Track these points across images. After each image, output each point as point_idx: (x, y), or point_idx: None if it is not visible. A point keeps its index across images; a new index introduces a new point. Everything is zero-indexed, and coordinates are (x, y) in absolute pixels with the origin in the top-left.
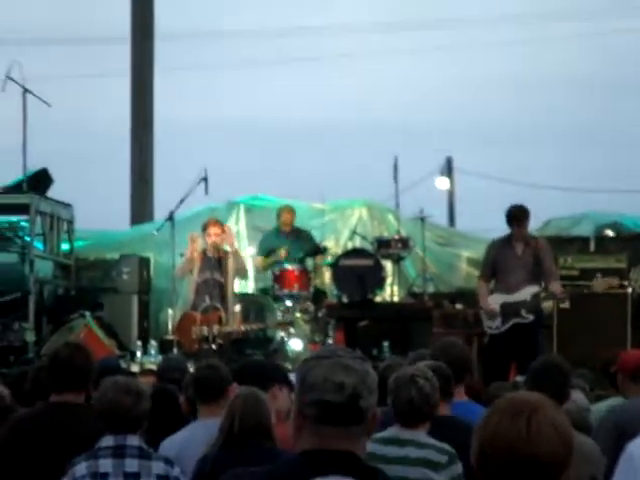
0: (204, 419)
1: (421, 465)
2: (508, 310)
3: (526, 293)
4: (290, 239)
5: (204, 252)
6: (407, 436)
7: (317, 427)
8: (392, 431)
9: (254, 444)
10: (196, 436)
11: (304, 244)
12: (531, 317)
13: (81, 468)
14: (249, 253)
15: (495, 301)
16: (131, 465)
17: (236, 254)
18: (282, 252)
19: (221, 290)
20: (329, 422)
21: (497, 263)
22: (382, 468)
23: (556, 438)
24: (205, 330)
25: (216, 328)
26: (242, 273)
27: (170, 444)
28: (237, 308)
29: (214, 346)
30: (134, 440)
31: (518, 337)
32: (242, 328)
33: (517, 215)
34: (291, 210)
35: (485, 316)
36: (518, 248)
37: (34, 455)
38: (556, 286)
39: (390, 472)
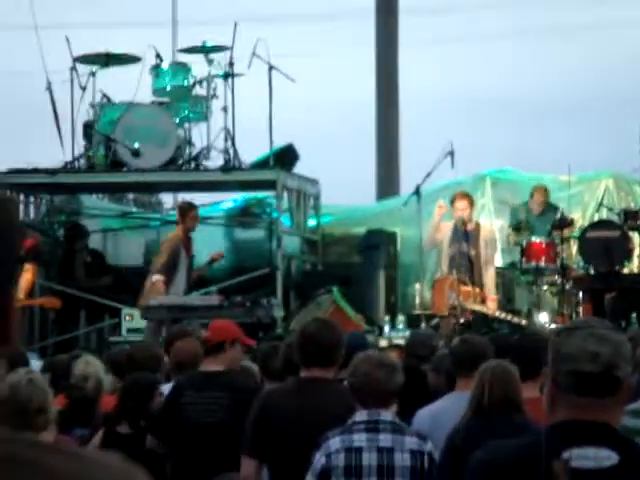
0: (459, 391)
1: None
2: None
3: None
4: (540, 214)
5: (455, 225)
6: None
7: (572, 398)
8: None
9: (504, 416)
10: (449, 407)
11: (551, 217)
12: None
13: (335, 442)
14: (496, 226)
15: None
16: (385, 440)
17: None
18: (527, 232)
19: (470, 263)
20: (584, 392)
21: None
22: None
23: None
24: (455, 298)
25: (470, 301)
26: (492, 245)
27: (424, 413)
28: (489, 282)
29: (462, 320)
30: (387, 415)
31: None
32: (496, 314)
33: None
34: (545, 191)
35: None
36: None
37: (286, 430)
38: None
39: None
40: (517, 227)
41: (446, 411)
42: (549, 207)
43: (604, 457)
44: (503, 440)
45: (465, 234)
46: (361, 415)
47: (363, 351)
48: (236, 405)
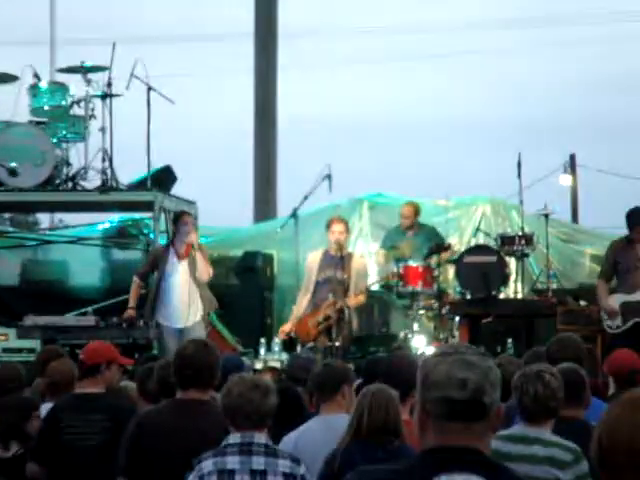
0: (322, 415)
1: (547, 464)
2: (628, 309)
3: None
4: (413, 235)
5: (326, 251)
6: (533, 434)
7: (441, 424)
8: (518, 429)
9: (382, 441)
10: (313, 432)
11: (428, 241)
12: None
13: (208, 464)
14: (373, 250)
15: (615, 301)
16: (258, 462)
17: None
18: (406, 250)
19: (343, 289)
20: (453, 419)
21: (618, 263)
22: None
23: None
24: (320, 317)
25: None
26: (362, 274)
27: (289, 439)
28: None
29: (337, 343)
30: (261, 437)
31: (638, 336)
32: (351, 302)
33: (637, 218)
34: (412, 204)
35: (605, 315)
36: (639, 249)
37: (160, 451)
38: None
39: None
40: (390, 249)
41: (309, 436)
42: (424, 228)
43: None
44: (373, 466)
45: (339, 259)
46: (234, 437)
47: (238, 373)
48: (116, 427)
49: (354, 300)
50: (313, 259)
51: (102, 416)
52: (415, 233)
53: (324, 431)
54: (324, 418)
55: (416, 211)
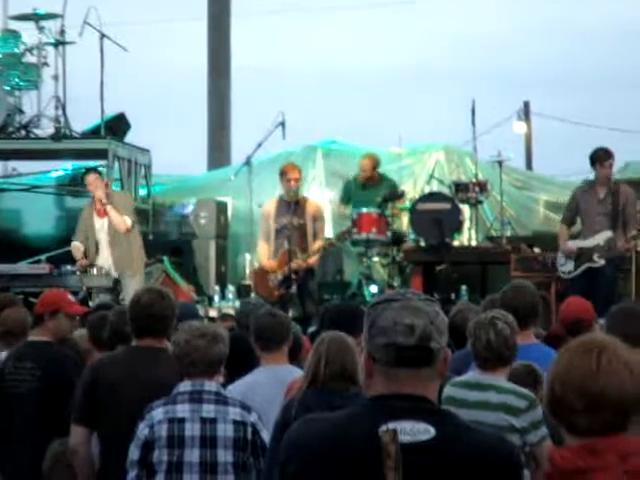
0: (266, 366)
1: (501, 410)
2: (582, 255)
3: (600, 238)
4: (371, 187)
5: (281, 198)
6: (487, 381)
7: (388, 371)
8: (473, 375)
9: (339, 389)
10: (260, 382)
11: (386, 190)
12: (602, 262)
13: (158, 413)
14: (327, 198)
15: (573, 246)
16: (208, 410)
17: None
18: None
19: (301, 234)
20: (400, 365)
21: (579, 208)
22: (459, 413)
23: (627, 376)
24: (279, 275)
25: (286, 268)
26: (319, 219)
27: (234, 390)
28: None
29: (294, 289)
30: (211, 385)
31: (591, 281)
32: (309, 260)
33: (600, 156)
34: (370, 157)
35: (560, 260)
36: (600, 192)
37: (115, 399)
38: (621, 241)
39: (469, 417)
40: (348, 201)
41: (257, 385)
42: (382, 178)
43: (420, 431)
44: (319, 414)
45: (295, 205)
46: (185, 385)
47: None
48: (45, 375)
49: (315, 245)
50: (269, 207)
51: (33, 364)
52: (374, 185)
53: (272, 384)
54: (271, 369)
55: (375, 164)
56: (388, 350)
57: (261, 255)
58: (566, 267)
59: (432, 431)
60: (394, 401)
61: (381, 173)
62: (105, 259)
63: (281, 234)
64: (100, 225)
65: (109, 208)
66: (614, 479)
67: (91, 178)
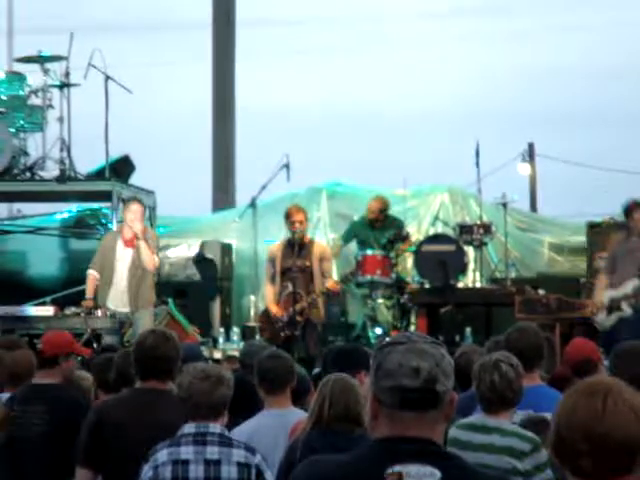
0: (270, 409)
1: (505, 453)
2: (613, 304)
3: (629, 286)
4: (379, 228)
5: (287, 240)
6: (492, 423)
7: (393, 413)
8: (478, 417)
9: (344, 430)
10: (264, 426)
11: (388, 231)
12: (629, 311)
13: (162, 455)
14: (332, 239)
15: (606, 296)
16: (212, 452)
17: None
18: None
19: (306, 276)
20: (405, 407)
21: (616, 257)
22: (464, 455)
23: (632, 419)
24: (285, 317)
25: (290, 310)
26: (327, 259)
27: (238, 434)
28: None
29: (297, 332)
30: (216, 427)
31: (621, 331)
32: (309, 299)
33: (633, 207)
34: (380, 200)
35: (596, 311)
36: (632, 242)
37: (120, 441)
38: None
39: (474, 459)
40: (345, 238)
41: (261, 429)
42: (390, 219)
43: (427, 474)
44: (325, 455)
45: (300, 247)
46: (189, 427)
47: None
48: (55, 419)
49: (329, 285)
50: (275, 249)
51: (44, 407)
52: (382, 226)
53: (276, 428)
54: (275, 413)
55: (383, 207)
56: (393, 392)
57: (267, 297)
58: (599, 317)
59: (438, 474)
60: (400, 444)
61: (389, 214)
62: (119, 291)
63: (286, 276)
64: (123, 256)
65: (142, 243)
66: None
67: (136, 207)
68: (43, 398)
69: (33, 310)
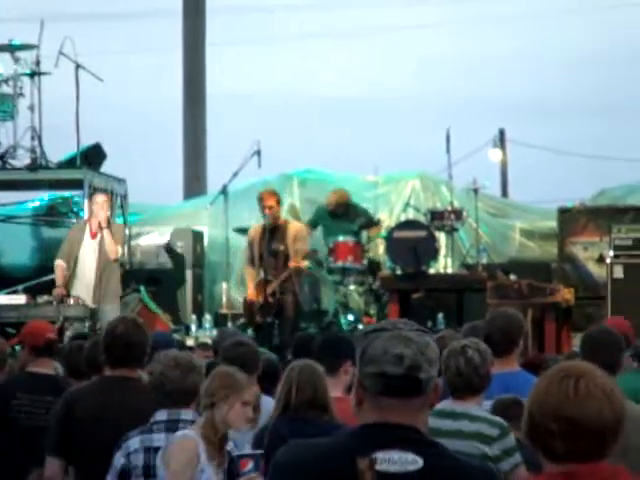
0: None
1: (474, 439)
2: None
3: None
4: (340, 217)
5: (263, 227)
6: (460, 409)
7: (377, 399)
8: (446, 404)
9: (311, 416)
10: None
11: (357, 218)
12: None
13: (134, 442)
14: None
15: None
16: None
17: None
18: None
19: (277, 260)
20: (388, 394)
21: None
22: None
23: (605, 403)
24: (260, 302)
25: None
26: (302, 239)
27: None
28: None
29: (269, 319)
30: (188, 414)
31: None
32: (278, 280)
33: None
34: (338, 193)
35: None
36: None
37: (89, 430)
38: None
39: None
40: (312, 224)
41: None
42: (352, 208)
43: (409, 461)
44: (307, 440)
45: (273, 231)
46: (161, 414)
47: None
48: None
49: (295, 264)
50: (253, 233)
51: (52, 398)
52: (344, 215)
53: None
54: None
55: (340, 200)
56: (377, 379)
57: (248, 281)
58: None
59: (420, 462)
60: (383, 430)
61: (352, 203)
62: (84, 283)
63: (261, 262)
64: (89, 246)
65: (106, 232)
66: None
67: (102, 198)
68: (48, 388)
69: (5, 299)
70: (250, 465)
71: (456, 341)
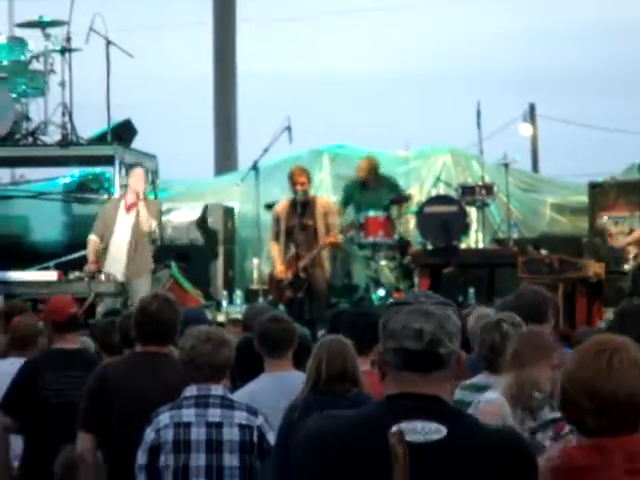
0: (270, 372)
1: None
2: None
3: None
4: (372, 189)
5: (291, 200)
6: (494, 383)
7: (398, 373)
8: (480, 378)
9: (341, 390)
10: (264, 389)
11: (388, 192)
12: None
13: (164, 418)
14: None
15: None
16: (213, 414)
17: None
18: (348, 226)
19: (307, 234)
20: (409, 368)
21: None
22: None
23: (638, 377)
24: (290, 277)
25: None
26: (332, 215)
27: (240, 396)
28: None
29: (300, 294)
30: (217, 389)
31: None
32: (311, 254)
33: None
34: (368, 160)
35: None
36: None
37: (120, 404)
38: None
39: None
40: (346, 204)
41: (261, 392)
42: (385, 180)
43: (432, 430)
44: (335, 411)
45: (303, 207)
46: (191, 390)
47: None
48: None
49: (332, 239)
50: (280, 209)
51: (79, 372)
52: (375, 187)
53: (276, 391)
54: (275, 376)
55: (371, 166)
56: (397, 354)
57: (274, 256)
58: None
59: (444, 431)
60: (406, 401)
61: (381, 174)
62: (117, 258)
63: (290, 237)
64: (124, 221)
65: (142, 205)
66: (615, 478)
67: (140, 172)
68: (75, 363)
69: (37, 275)
70: (566, 429)
71: (490, 316)
